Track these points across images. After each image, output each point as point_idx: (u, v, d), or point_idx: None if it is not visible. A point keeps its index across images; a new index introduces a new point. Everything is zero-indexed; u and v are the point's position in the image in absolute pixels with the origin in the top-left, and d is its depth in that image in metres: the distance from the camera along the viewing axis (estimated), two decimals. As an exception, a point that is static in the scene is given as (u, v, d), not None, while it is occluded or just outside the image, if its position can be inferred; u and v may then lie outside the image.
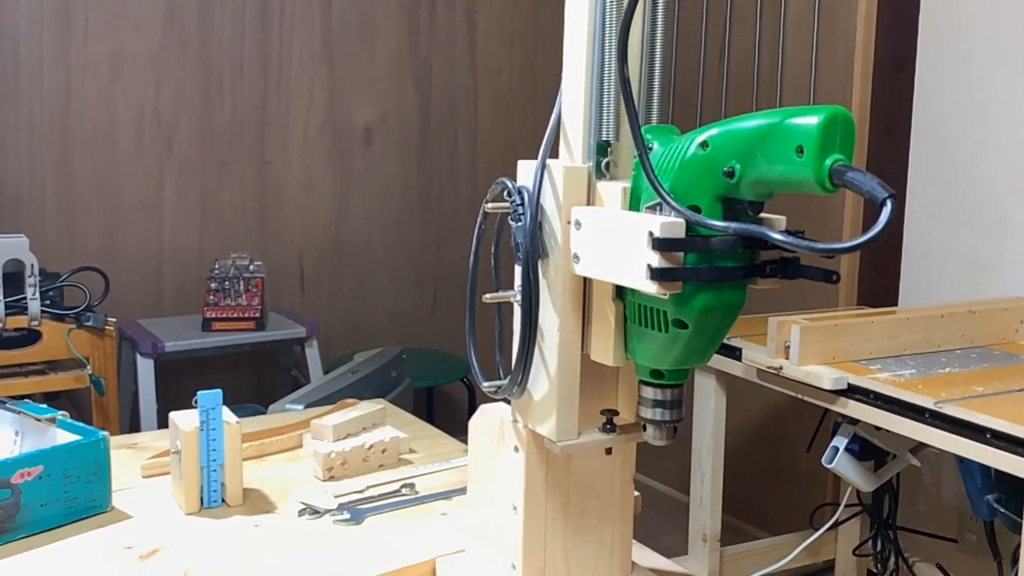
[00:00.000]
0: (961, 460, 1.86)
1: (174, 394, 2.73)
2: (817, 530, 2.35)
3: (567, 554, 1.06)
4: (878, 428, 1.91)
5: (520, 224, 0.96)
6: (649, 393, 0.96)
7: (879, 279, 2.77)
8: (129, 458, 1.41)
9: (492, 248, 1.02)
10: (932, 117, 2.49)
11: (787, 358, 1.96)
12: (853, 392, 1.86)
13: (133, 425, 2.85)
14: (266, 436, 1.48)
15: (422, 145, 3.61)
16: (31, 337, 2.37)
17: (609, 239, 0.88)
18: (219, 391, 1.25)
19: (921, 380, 1.85)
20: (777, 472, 3.02)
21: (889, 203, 0.72)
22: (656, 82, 0.94)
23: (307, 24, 3.33)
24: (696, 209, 0.84)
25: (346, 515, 1.25)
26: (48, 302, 2.40)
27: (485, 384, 1.02)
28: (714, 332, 0.90)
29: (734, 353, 2.10)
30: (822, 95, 2.81)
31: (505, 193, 0.98)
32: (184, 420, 1.25)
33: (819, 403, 1.93)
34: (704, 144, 0.84)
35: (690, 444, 2.39)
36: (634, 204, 0.90)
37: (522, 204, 0.96)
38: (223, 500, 1.27)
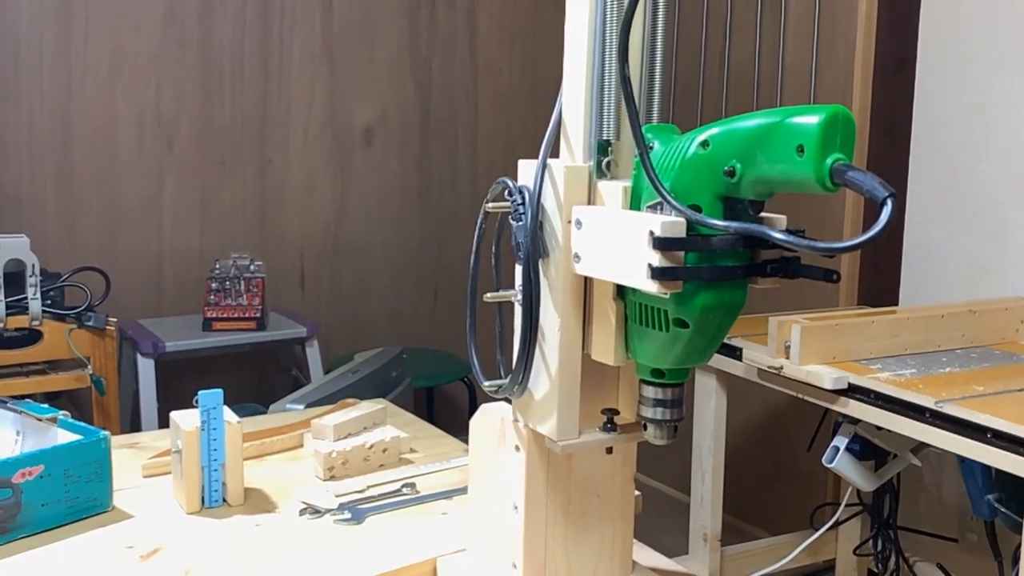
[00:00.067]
0: (962, 460, 1.86)
1: (175, 394, 2.73)
2: (818, 530, 2.35)
3: (568, 553, 1.06)
4: (879, 428, 1.91)
5: (521, 223, 0.96)
6: (650, 392, 0.96)
7: (879, 279, 2.77)
8: (130, 458, 1.41)
9: (493, 247, 1.02)
10: (932, 119, 2.49)
11: (788, 358, 1.96)
12: (854, 392, 1.86)
13: (134, 425, 2.85)
14: (267, 436, 1.48)
15: (422, 145, 3.61)
16: (32, 337, 2.37)
17: (610, 238, 0.89)
18: (220, 391, 1.25)
19: (922, 380, 1.85)
20: (778, 472, 3.02)
21: (890, 202, 0.72)
22: (657, 82, 0.95)
23: (307, 24, 3.33)
24: (697, 208, 0.84)
25: (347, 515, 1.25)
26: (49, 302, 2.40)
27: (486, 383, 1.02)
28: (715, 331, 0.90)
29: (735, 353, 2.10)
30: (822, 96, 2.81)
31: (506, 192, 0.98)
32: (185, 420, 1.25)
33: (820, 403, 1.93)
34: (705, 143, 0.84)
35: (691, 444, 2.39)
36: (635, 203, 0.91)
37: (523, 203, 0.96)
38: (224, 500, 1.28)
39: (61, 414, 1.31)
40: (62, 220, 3.03)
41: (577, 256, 0.93)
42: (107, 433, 1.25)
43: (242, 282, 2.98)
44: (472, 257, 1.02)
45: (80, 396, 2.61)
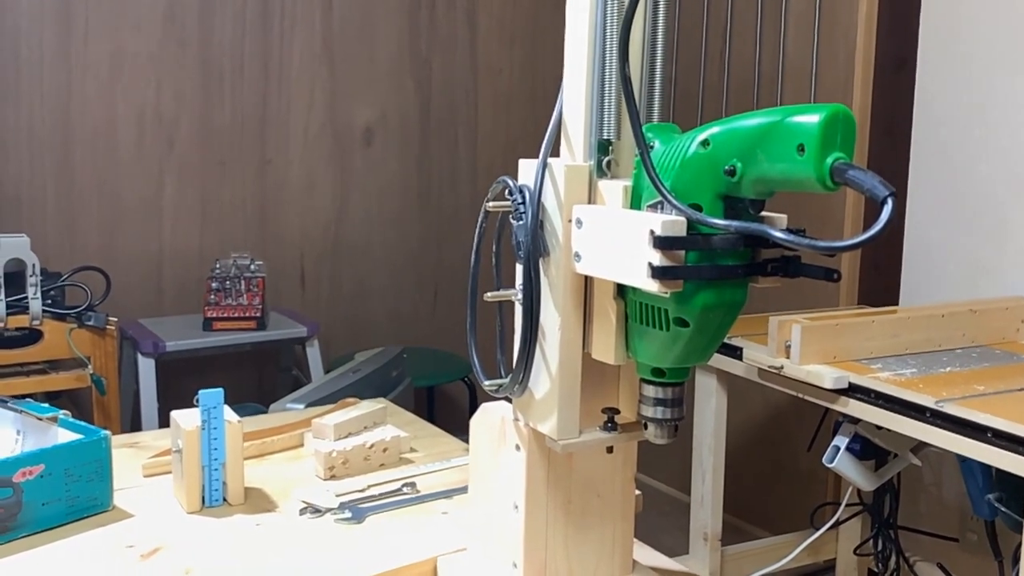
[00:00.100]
0: (962, 459, 1.86)
1: (175, 393, 2.73)
2: (818, 529, 2.35)
3: (568, 553, 1.06)
4: (879, 427, 1.91)
5: (521, 223, 0.96)
6: (650, 391, 0.96)
7: (880, 278, 2.77)
8: (130, 457, 1.41)
9: (493, 247, 1.02)
10: (932, 119, 2.49)
11: (788, 357, 1.96)
12: (854, 391, 1.86)
13: (134, 424, 2.85)
14: (267, 435, 1.48)
15: (422, 145, 3.61)
16: (32, 336, 2.37)
17: (610, 237, 0.89)
18: (220, 390, 1.25)
19: (922, 379, 1.85)
20: (778, 471, 3.02)
21: (890, 201, 0.72)
22: (657, 81, 0.95)
23: (307, 24, 3.33)
24: (697, 207, 0.84)
25: (347, 514, 1.25)
26: (49, 302, 2.39)
27: (486, 383, 1.02)
28: (715, 330, 0.90)
29: (735, 352, 2.10)
30: (823, 96, 2.81)
31: (506, 192, 0.98)
32: (186, 419, 1.25)
33: (820, 402, 1.93)
34: (705, 143, 0.84)
35: (691, 443, 2.39)
36: (635, 202, 0.91)
37: (523, 203, 0.96)
38: (224, 499, 1.28)
39: (62, 413, 1.31)
40: (62, 220, 3.03)
41: (577, 255, 0.93)
42: (107, 432, 1.25)
43: (242, 282, 2.99)
44: (472, 256, 1.02)
45: (80, 396, 2.61)
